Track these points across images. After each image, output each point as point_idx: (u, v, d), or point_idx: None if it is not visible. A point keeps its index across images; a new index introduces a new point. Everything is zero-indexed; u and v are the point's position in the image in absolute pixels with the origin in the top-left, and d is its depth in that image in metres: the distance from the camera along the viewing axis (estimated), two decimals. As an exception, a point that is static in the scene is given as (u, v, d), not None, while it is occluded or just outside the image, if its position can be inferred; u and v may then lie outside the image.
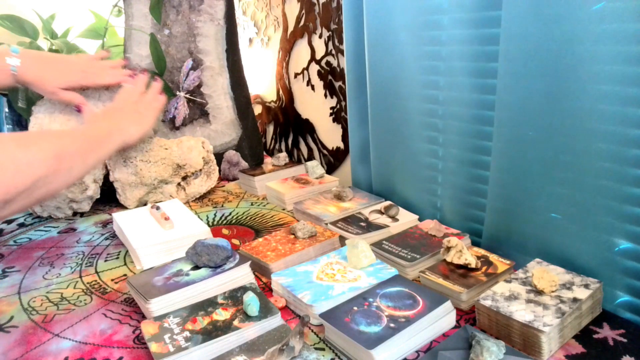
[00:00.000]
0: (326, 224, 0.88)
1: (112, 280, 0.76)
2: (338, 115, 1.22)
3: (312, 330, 0.62)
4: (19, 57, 0.88)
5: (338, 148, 1.25)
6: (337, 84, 1.20)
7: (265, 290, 0.72)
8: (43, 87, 0.92)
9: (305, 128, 1.37)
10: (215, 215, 1.01)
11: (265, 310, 0.61)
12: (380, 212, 0.92)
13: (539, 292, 0.60)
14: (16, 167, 0.59)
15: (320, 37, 1.22)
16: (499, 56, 0.68)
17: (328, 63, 1.22)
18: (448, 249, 0.71)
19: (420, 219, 0.90)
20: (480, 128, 0.77)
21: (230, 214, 1.01)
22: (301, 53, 1.32)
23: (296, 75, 1.36)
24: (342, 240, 0.82)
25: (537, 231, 0.71)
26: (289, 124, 1.44)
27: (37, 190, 0.63)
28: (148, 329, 0.58)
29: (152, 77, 1.05)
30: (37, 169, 0.62)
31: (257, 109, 1.58)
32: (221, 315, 0.61)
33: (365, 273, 0.70)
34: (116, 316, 0.66)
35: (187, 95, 1.22)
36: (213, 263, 0.70)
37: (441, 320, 0.59)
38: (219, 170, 1.16)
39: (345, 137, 1.21)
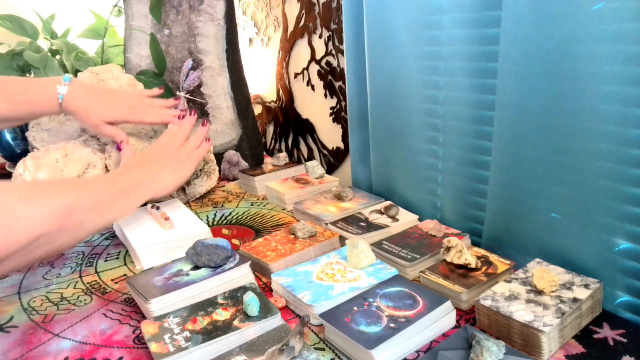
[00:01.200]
0: (326, 224, 0.88)
1: (112, 280, 0.76)
2: (338, 115, 1.22)
3: (312, 330, 0.62)
4: (68, 86, 0.84)
5: (338, 148, 1.25)
6: (337, 84, 1.20)
7: (265, 290, 0.72)
8: (87, 119, 0.87)
9: (305, 128, 1.37)
10: (215, 215, 1.01)
11: (265, 310, 0.61)
12: (380, 212, 0.92)
13: (539, 292, 0.60)
14: (12, 222, 0.51)
15: (320, 37, 1.22)
16: (499, 56, 0.68)
17: (328, 63, 1.22)
18: (448, 249, 0.71)
19: (420, 219, 0.90)
20: (480, 128, 0.77)
21: (230, 214, 1.01)
22: (301, 53, 1.32)
23: (296, 75, 1.36)
24: (342, 240, 0.82)
25: (537, 231, 0.71)
26: (289, 124, 1.44)
27: (36, 250, 0.55)
28: (148, 329, 0.58)
29: (202, 120, 0.96)
30: (38, 226, 0.53)
31: (257, 109, 1.58)
32: (221, 315, 0.61)
33: (365, 273, 0.70)
34: (116, 316, 0.66)
35: (187, 95, 1.22)
36: (213, 263, 0.70)
37: (441, 320, 0.59)
38: (219, 170, 1.16)
39: (345, 137, 1.21)
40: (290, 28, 1.34)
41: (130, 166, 0.80)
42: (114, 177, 0.74)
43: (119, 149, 0.89)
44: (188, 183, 1.07)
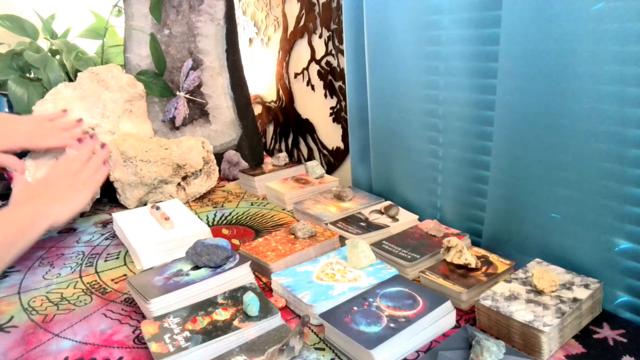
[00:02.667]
0: (326, 224, 0.88)
1: (112, 280, 0.76)
2: (338, 115, 1.22)
3: (312, 330, 0.62)
4: None
5: (338, 148, 1.25)
6: (337, 84, 1.20)
7: (265, 290, 0.72)
8: None
9: (305, 128, 1.37)
10: (215, 215, 1.01)
11: (265, 310, 0.61)
12: (380, 212, 0.92)
13: (539, 292, 0.60)
14: None
15: (320, 37, 1.22)
16: (499, 56, 0.68)
17: (328, 63, 1.22)
18: (448, 249, 0.71)
19: (420, 219, 0.90)
20: (480, 128, 0.77)
21: (230, 214, 1.01)
22: (301, 53, 1.32)
23: (296, 75, 1.36)
24: (342, 240, 0.82)
25: (537, 231, 0.71)
26: (289, 124, 1.44)
27: None
28: (148, 329, 0.58)
29: (102, 143, 0.95)
30: None
31: (257, 109, 1.58)
32: (221, 315, 0.61)
33: (365, 273, 0.70)
34: (116, 316, 0.66)
35: (187, 95, 1.22)
36: (213, 263, 0.70)
37: (441, 320, 0.59)
38: (219, 170, 1.16)
39: (345, 137, 1.21)
40: (290, 28, 1.34)
41: (21, 201, 0.78)
42: (5, 217, 0.71)
43: (10, 178, 0.86)
44: (185, 180, 1.07)
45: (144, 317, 0.65)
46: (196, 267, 0.71)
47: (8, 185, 0.96)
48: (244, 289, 0.66)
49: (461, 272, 0.68)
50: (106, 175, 0.90)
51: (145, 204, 1.04)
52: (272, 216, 0.99)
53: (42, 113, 0.99)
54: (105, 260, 0.83)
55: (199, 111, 1.25)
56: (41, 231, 0.72)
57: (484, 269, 0.69)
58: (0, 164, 0.87)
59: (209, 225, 0.93)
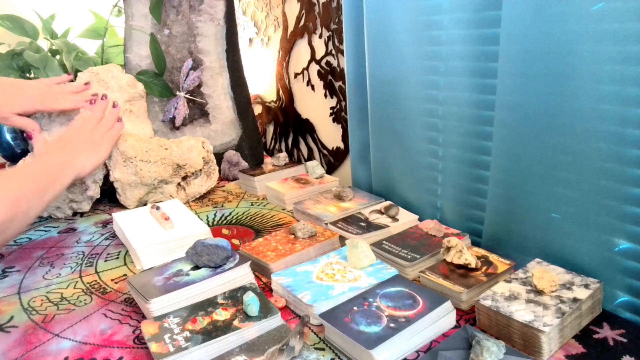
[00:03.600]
0: (326, 224, 0.88)
1: (112, 280, 0.76)
2: (338, 115, 1.22)
3: (312, 330, 0.62)
4: None
5: (338, 148, 1.25)
6: (337, 84, 1.20)
7: (265, 290, 0.72)
8: None
9: (305, 128, 1.37)
10: (215, 215, 1.01)
11: (265, 310, 0.61)
12: (380, 212, 0.92)
13: (539, 292, 0.60)
14: None
15: (320, 37, 1.22)
16: (499, 56, 0.68)
17: (328, 63, 1.22)
18: (448, 249, 0.71)
19: (420, 219, 0.90)
20: (480, 128, 0.77)
21: (230, 214, 1.01)
22: (301, 53, 1.32)
23: (296, 75, 1.36)
24: (342, 240, 0.82)
25: (537, 231, 0.71)
26: (289, 124, 1.44)
27: None
28: (148, 329, 0.58)
29: (113, 101, 0.99)
30: None
31: (257, 109, 1.58)
32: (221, 315, 0.61)
33: (365, 273, 0.70)
34: (116, 316, 0.66)
35: (187, 95, 1.22)
36: (213, 263, 0.70)
37: (441, 320, 0.59)
38: (219, 170, 1.16)
39: (345, 137, 1.21)
40: (290, 28, 1.34)
41: (46, 153, 0.81)
42: (38, 164, 0.76)
43: (29, 137, 0.91)
44: (185, 180, 1.07)
45: (144, 317, 0.65)
46: (196, 267, 0.71)
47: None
48: (244, 289, 0.66)
49: (461, 272, 0.68)
50: (121, 131, 0.94)
51: (145, 204, 1.04)
52: (272, 216, 0.99)
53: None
54: (105, 260, 0.83)
55: (199, 111, 1.25)
56: (69, 180, 0.76)
57: (484, 269, 0.69)
58: (16, 126, 0.91)
59: (209, 225, 0.93)
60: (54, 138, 0.88)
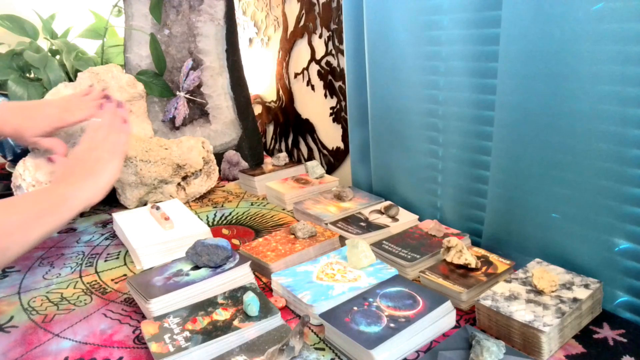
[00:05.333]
0: (326, 224, 0.88)
1: (112, 280, 0.76)
2: (338, 115, 1.22)
3: (312, 330, 0.62)
4: None
5: (338, 148, 1.25)
6: (337, 84, 1.20)
7: (265, 290, 0.72)
8: (21, 140, 0.86)
9: (305, 128, 1.37)
10: (215, 215, 1.01)
11: (265, 310, 0.61)
12: (380, 212, 0.92)
13: (539, 292, 0.60)
14: None
15: (320, 37, 1.22)
16: (499, 56, 0.68)
17: (328, 63, 1.22)
18: (448, 249, 0.71)
19: (420, 219, 0.90)
20: (480, 128, 0.77)
21: (230, 214, 1.01)
22: (301, 53, 1.32)
23: (296, 75, 1.36)
24: (342, 240, 0.82)
25: (537, 231, 0.71)
26: (289, 124, 1.44)
27: None
28: (148, 329, 0.58)
29: (118, 101, 0.92)
30: None
31: (257, 109, 1.58)
32: (221, 315, 0.61)
33: (365, 273, 0.70)
34: (116, 316, 0.66)
35: (187, 95, 1.22)
36: (213, 263, 0.70)
37: (441, 320, 0.59)
38: (219, 170, 1.16)
39: (345, 137, 1.21)
40: (290, 28, 1.34)
41: (57, 180, 0.76)
42: (35, 195, 0.71)
43: (51, 161, 0.86)
44: (185, 180, 1.07)
45: (144, 317, 0.65)
46: (196, 267, 0.71)
47: (8, 185, 0.95)
48: (244, 289, 0.66)
49: (461, 272, 0.68)
50: (129, 134, 0.87)
51: (145, 204, 1.04)
52: (272, 216, 0.99)
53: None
54: (105, 260, 0.83)
55: (199, 111, 1.25)
56: (74, 211, 0.70)
57: (484, 269, 0.69)
58: (45, 148, 0.88)
59: (209, 225, 0.93)
60: (68, 160, 0.81)
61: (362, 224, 0.87)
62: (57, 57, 1.30)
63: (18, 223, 0.61)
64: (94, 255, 0.85)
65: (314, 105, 1.31)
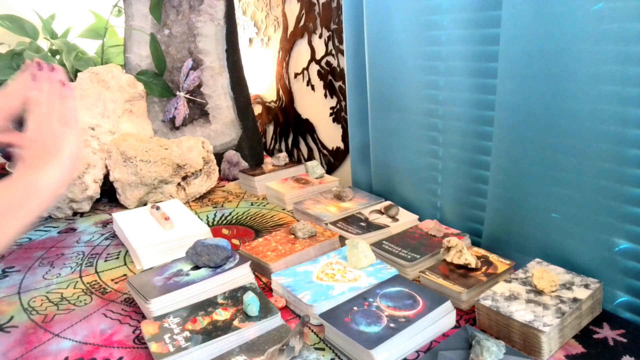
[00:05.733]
0: (326, 224, 0.88)
1: (112, 280, 0.76)
2: (338, 115, 1.22)
3: (312, 330, 0.62)
4: None
5: (338, 148, 1.25)
6: (337, 84, 1.20)
7: (265, 290, 0.72)
8: None
9: (305, 128, 1.37)
10: (215, 215, 1.01)
11: (265, 310, 0.61)
12: (380, 212, 0.92)
13: (539, 292, 0.60)
14: None
15: (320, 37, 1.22)
16: (499, 56, 0.68)
17: (328, 63, 1.22)
18: (448, 249, 0.71)
19: (420, 219, 0.90)
20: (480, 128, 0.77)
21: (230, 214, 1.01)
22: (301, 53, 1.32)
23: (296, 75, 1.36)
24: (342, 240, 0.82)
25: (537, 231, 0.71)
26: (289, 124, 1.44)
27: None
28: (148, 329, 0.58)
29: (50, 65, 0.74)
30: None
31: (257, 109, 1.58)
32: (221, 315, 0.61)
33: (365, 273, 0.70)
34: (116, 316, 0.66)
35: (187, 95, 1.22)
36: (213, 263, 0.70)
37: (441, 320, 0.59)
38: (219, 170, 1.16)
39: (345, 137, 1.21)
40: (290, 28, 1.34)
41: (24, 168, 0.67)
42: (9, 187, 0.62)
43: (8, 158, 0.78)
44: (185, 180, 1.07)
45: (144, 317, 0.65)
46: (196, 267, 0.71)
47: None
48: (244, 289, 0.66)
49: (461, 272, 0.68)
50: (74, 97, 0.72)
51: (145, 204, 1.04)
52: (272, 216, 0.99)
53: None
54: (105, 260, 0.83)
55: (199, 111, 1.25)
56: (47, 197, 0.63)
57: (484, 269, 0.69)
58: (4, 144, 0.76)
59: (209, 225, 0.93)
60: (25, 152, 0.69)
61: (362, 224, 0.87)
62: (57, 57, 1.30)
63: None
64: (94, 255, 0.85)
65: (314, 105, 1.31)
